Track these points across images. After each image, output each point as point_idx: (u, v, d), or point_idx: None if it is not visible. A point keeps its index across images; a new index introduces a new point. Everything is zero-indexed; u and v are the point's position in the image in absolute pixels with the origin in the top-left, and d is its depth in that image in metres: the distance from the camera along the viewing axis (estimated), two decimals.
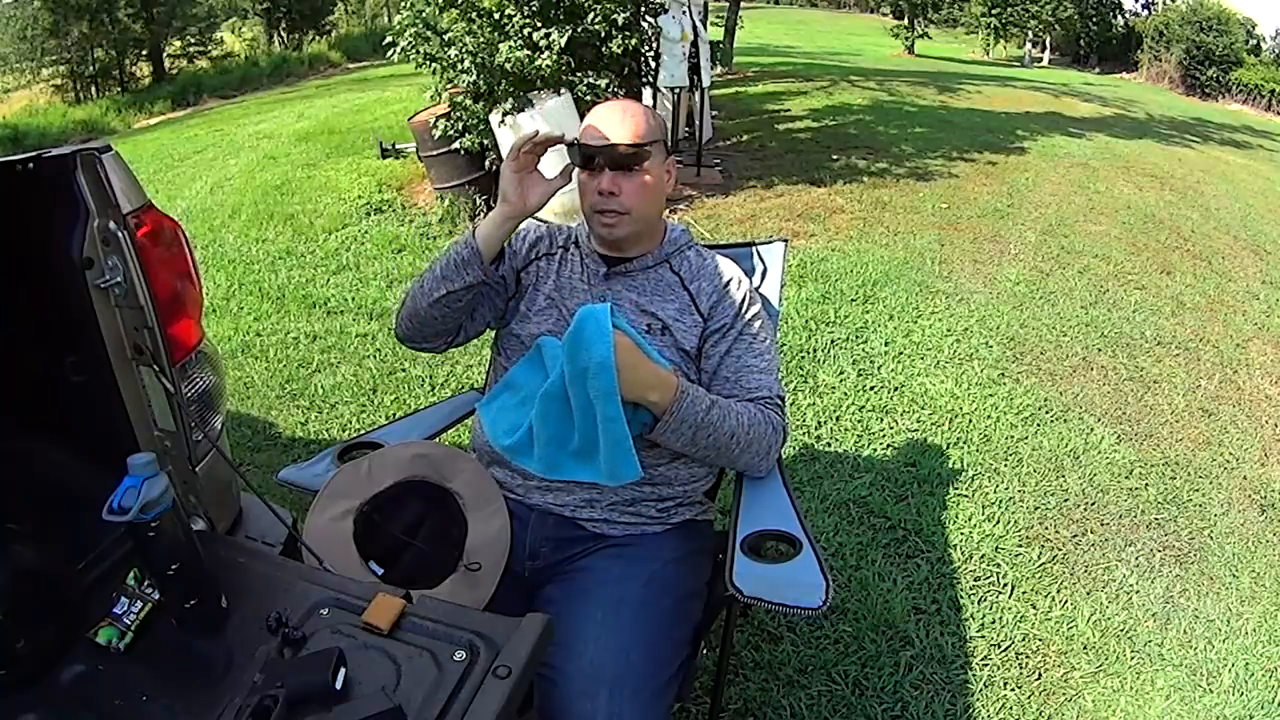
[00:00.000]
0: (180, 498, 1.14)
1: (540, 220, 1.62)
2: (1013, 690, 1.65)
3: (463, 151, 4.40)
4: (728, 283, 1.26)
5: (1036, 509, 2.24)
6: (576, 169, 1.23)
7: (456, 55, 4.17)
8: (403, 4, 4.58)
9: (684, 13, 5.23)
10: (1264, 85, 19.97)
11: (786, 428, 1.23)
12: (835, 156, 6.03)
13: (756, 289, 1.45)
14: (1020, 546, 2.07)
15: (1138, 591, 1.97)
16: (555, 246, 1.32)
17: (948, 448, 2.48)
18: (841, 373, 2.88)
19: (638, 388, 1.07)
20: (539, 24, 4.12)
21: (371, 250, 4.11)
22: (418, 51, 4.35)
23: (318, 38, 18.49)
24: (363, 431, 1.69)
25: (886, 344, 3.12)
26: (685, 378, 1.20)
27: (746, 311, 1.25)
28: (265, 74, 14.47)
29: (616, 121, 1.19)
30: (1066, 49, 24.77)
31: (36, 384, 1.20)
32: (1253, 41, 22.24)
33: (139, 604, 0.94)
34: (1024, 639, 1.79)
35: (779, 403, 1.21)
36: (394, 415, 2.52)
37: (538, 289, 1.29)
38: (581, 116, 4.31)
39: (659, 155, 1.22)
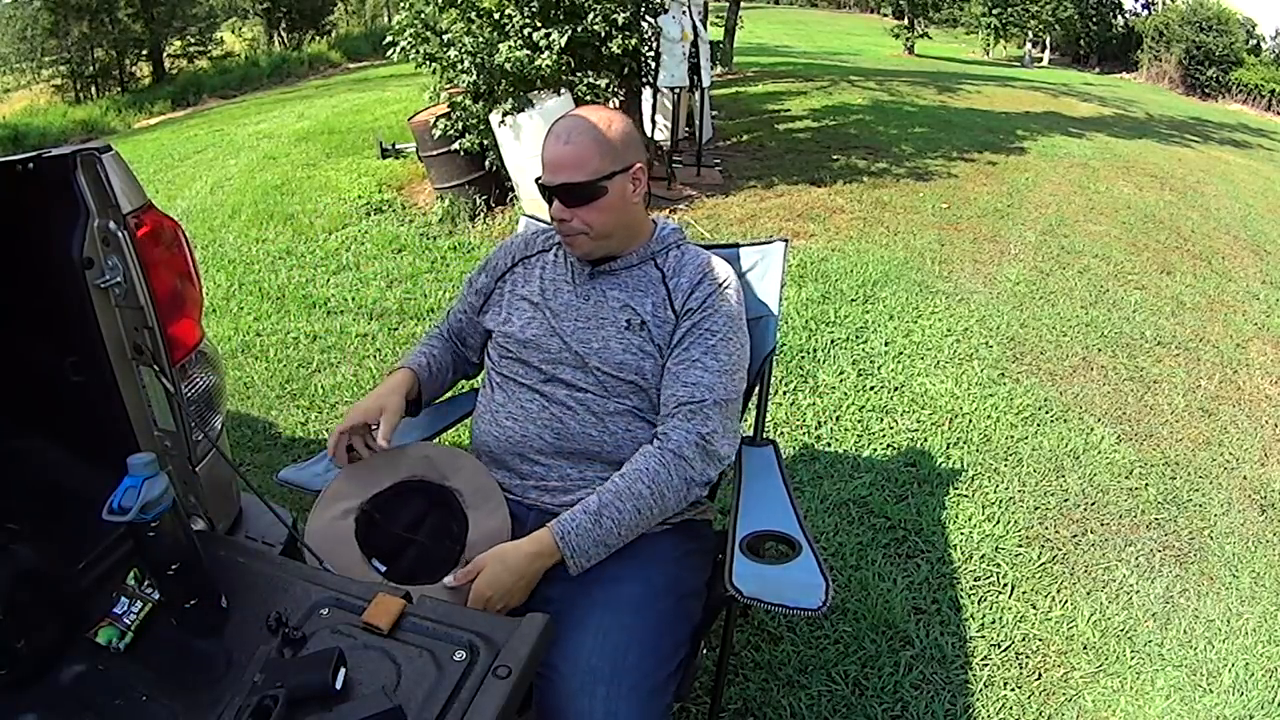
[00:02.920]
0: (180, 498, 1.14)
1: (538, 219, 1.63)
2: (1013, 690, 1.65)
3: (463, 151, 4.40)
4: (702, 278, 1.22)
5: (1036, 509, 2.24)
6: None
7: (456, 55, 4.17)
8: (403, 4, 4.58)
9: (684, 13, 5.23)
10: (1264, 85, 19.96)
11: (706, 442, 1.13)
12: (835, 156, 6.02)
13: (755, 289, 1.45)
14: (1020, 546, 2.07)
15: (1138, 591, 1.97)
16: (534, 250, 1.34)
17: (948, 448, 2.48)
18: (841, 373, 2.88)
19: (527, 579, 1.05)
20: (539, 24, 4.12)
21: (371, 250, 4.11)
22: (418, 51, 4.35)
23: (318, 38, 18.49)
24: None
25: (886, 344, 3.12)
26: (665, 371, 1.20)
27: (712, 307, 1.20)
28: (265, 74, 14.47)
29: (559, 154, 1.17)
30: (1066, 49, 24.76)
31: (36, 384, 1.20)
32: (1253, 41, 22.25)
33: (139, 604, 0.94)
34: (1024, 639, 1.79)
35: (713, 401, 1.14)
36: None
37: (516, 292, 1.31)
38: None
39: (618, 176, 1.18)
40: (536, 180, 1.22)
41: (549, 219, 1.27)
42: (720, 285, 1.23)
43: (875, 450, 2.45)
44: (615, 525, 1.08)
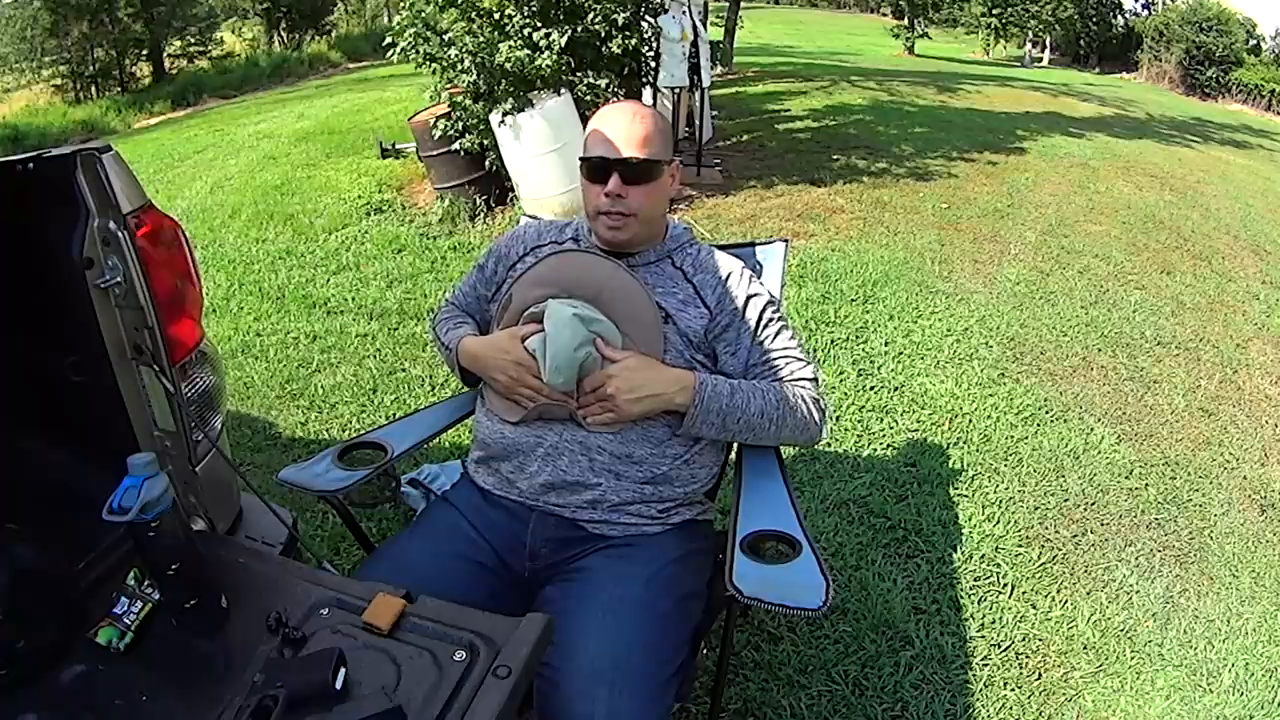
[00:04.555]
0: (180, 498, 1.14)
1: (538, 219, 1.63)
2: (1013, 690, 1.65)
3: (463, 151, 4.40)
4: (730, 274, 1.27)
5: (1036, 509, 2.24)
6: (581, 176, 1.24)
7: (456, 55, 4.16)
8: (403, 4, 4.58)
9: (684, 13, 5.23)
10: (1264, 85, 19.97)
11: (822, 399, 1.25)
12: (835, 156, 6.02)
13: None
14: (1020, 546, 2.07)
15: (1138, 591, 1.97)
16: (545, 241, 1.33)
17: (948, 448, 2.48)
18: (841, 373, 2.88)
19: (653, 395, 1.12)
20: (539, 24, 4.12)
21: (371, 250, 4.11)
22: (418, 51, 4.35)
23: (318, 38, 18.48)
24: (363, 431, 1.69)
25: (886, 344, 3.12)
26: (689, 366, 1.21)
27: (757, 299, 1.26)
28: (265, 74, 14.47)
29: (626, 131, 1.19)
30: (1066, 49, 24.77)
31: (36, 384, 1.20)
32: (1253, 41, 22.25)
33: (139, 604, 0.94)
34: (1024, 639, 1.79)
35: (812, 374, 1.25)
36: (394, 415, 2.52)
37: None
38: (582, 117, 4.36)
39: (666, 166, 1.23)
40: (585, 159, 1.21)
41: (551, 219, 1.26)
42: (750, 277, 1.29)
43: (875, 450, 2.45)
44: (741, 410, 1.16)
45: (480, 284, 1.38)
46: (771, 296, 1.30)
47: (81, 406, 1.17)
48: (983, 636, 1.78)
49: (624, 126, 1.19)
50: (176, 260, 1.14)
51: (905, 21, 20.00)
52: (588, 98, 4.20)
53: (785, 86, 9.80)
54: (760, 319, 1.25)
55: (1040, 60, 22.80)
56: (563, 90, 4.19)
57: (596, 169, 1.20)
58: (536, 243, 1.33)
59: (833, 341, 3.10)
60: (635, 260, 1.26)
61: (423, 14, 4.33)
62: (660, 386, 1.14)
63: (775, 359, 1.24)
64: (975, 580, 1.95)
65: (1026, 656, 1.74)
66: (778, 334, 1.25)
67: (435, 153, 4.55)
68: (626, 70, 4.63)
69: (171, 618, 0.94)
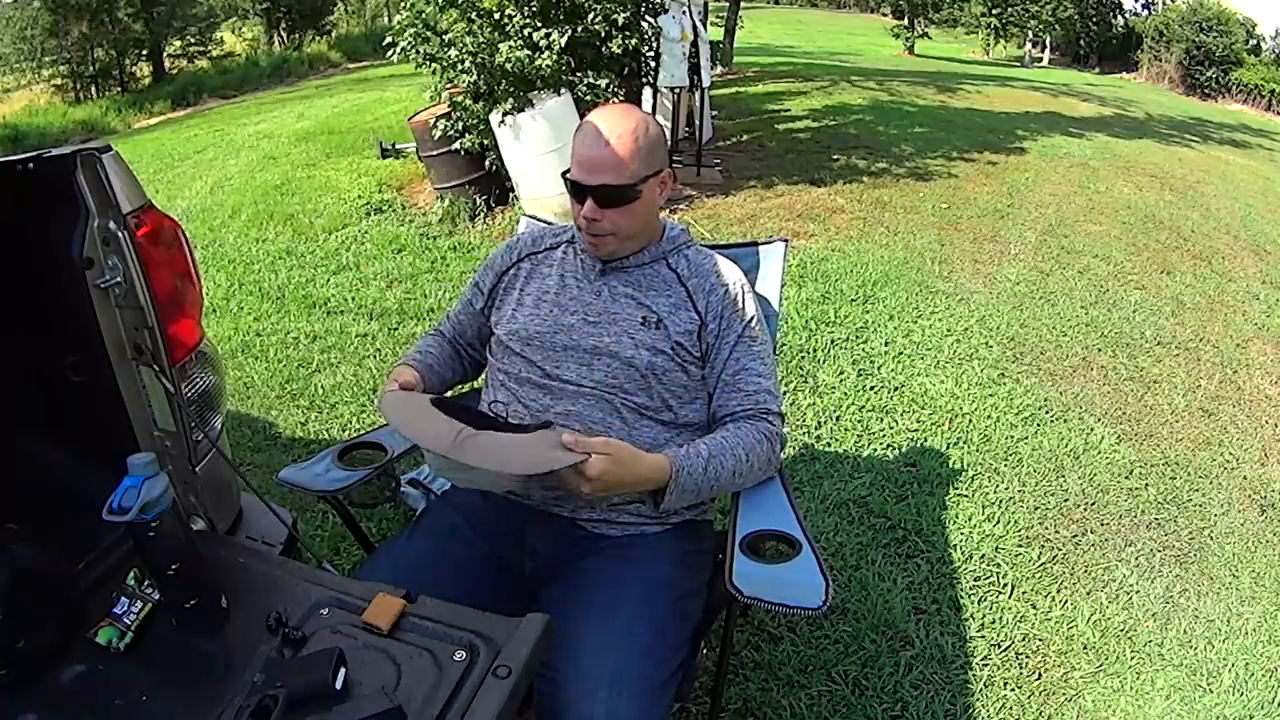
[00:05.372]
0: (180, 498, 1.14)
1: (538, 219, 1.63)
2: (1013, 690, 1.65)
3: (463, 151, 4.40)
4: (726, 284, 1.26)
5: (1036, 509, 2.24)
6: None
7: (456, 55, 4.17)
8: (403, 4, 4.58)
9: (684, 13, 5.23)
10: (1264, 85, 19.97)
11: (784, 435, 1.23)
12: (835, 156, 6.02)
13: (756, 289, 1.45)
14: (1020, 546, 2.07)
15: (1138, 591, 1.97)
16: (542, 247, 1.33)
17: (948, 448, 2.48)
18: (841, 373, 2.88)
19: (628, 485, 1.07)
20: (539, 24, 4.12)
21: (371, 250, 4.11)
22: (418, 51, 4.35)
23: (318, 38, 18.47)
24: (363, 431, 1.69)
25: (886, 344, 3.12)
26: (681, 369, 1.20)
27: (745, 314, 1.25)
28: (265, 74, 14.46)
29: (601, 154, 1.16)
30: (1066, 49, 24.76)
31: (36, 384, 1.20)
32: (1253, 41, 22.25)
33: (139, 604, 0.94)
34: (1024, 639, 1.79)
35: (776, 408, 1.21)
36: None
37: (524, 289, 1.30)
38: (581, 117, 4.36)
39: (650, 180, 1.20)
40: (565, 175, 1.21)
41: (551, 218, 1.26)
42: (745, 289, 1.27)
43: (875, 450, 2.45)
44: (714, 477, 1.13)
45: (473, 295, 1.38)
46: (761, 317, 1.28)
47: (81, 406, 1.17)
48: (983, 636, 1.78)
49: (600, 149, 1.16)
50: (176, 260, 1.14)
51: (905, 21, 19.99)
52: (588, 98, 4.19)
53: (785, 86, 9.80)
54: (748, 334, 1.23)
55: (1040, 60, 22.79)
56: (563, 90, 4.19)
57: (574, 189, 1.19)
58: (531, 249, 1.34)
59: (833, 341, 3.10)
60: (628, 261, 1.25)
61: (423, 14, 4.33)
62: (636, 473, 1.07)
63: (749, 388, 1.20)
64: (975, 580, 1.95)
65: (1026, 656, 1.74)
66: (756, 359, 1.23)
67: (435, 153, 4.55)
68: (626, 70, 4.63)
69: (171, 618, 0.94)
